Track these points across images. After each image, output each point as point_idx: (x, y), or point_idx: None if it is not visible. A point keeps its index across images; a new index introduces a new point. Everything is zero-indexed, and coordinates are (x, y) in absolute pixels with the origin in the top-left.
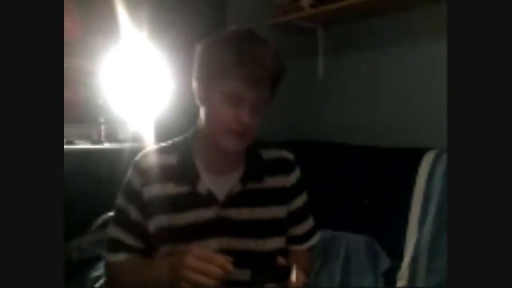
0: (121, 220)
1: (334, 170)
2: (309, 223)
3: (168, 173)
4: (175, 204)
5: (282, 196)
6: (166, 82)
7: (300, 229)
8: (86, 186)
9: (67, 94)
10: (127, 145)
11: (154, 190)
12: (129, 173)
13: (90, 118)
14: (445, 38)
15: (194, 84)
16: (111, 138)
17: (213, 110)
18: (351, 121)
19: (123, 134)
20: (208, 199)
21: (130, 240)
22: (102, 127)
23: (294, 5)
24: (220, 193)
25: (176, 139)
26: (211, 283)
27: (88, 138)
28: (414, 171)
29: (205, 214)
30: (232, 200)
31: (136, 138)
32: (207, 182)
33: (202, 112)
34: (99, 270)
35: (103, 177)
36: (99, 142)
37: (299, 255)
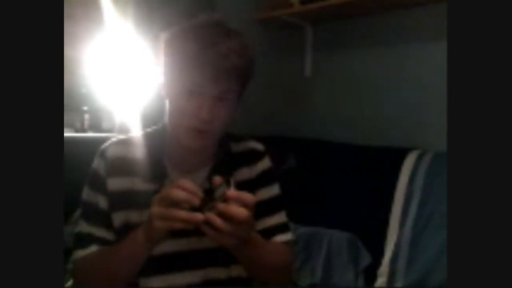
0: (90, 212)
1: (318, 166)
2: (275, 219)
3: (135, 167)
4: (140, 201)
5: (248, 188)
6: (152, 71)
7: (264, 223)
8: (68, 175)
9: None
10: (112, 135)
11: (119, 182)
12: (95, 162)
13: (74, 106)
14: (434, 39)
15: (159, 76)
16: (95, 127)
17: (174, 104)
18: (337, 119)
19: (108, 124)
20: None
21: (101, 232)
22: (86, 116)
23: (284, 0)
24: None
25: (147, 130)
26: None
27: (72, 127)
28: (397, 170)
29: None
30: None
31: (121, 128)
32: (175, 180)
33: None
34: None
35: (86, 167)
36: (83, 130)
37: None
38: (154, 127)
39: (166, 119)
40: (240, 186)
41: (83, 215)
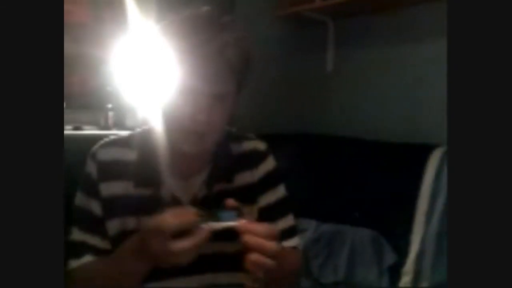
0: (83, 219)
1: (341, 163)
2: (282, 223)
3: (127, 171)
4: (136, 207)
5: (250, 193)
6: (175, 70)
7: None
8: None
9: (75, 80)
10: None
11: (112, 187)
12: (86, 166)
13: (98, 104)
14: None
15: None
16: (119, 124)
17: (167, 105)
18: (359, 115)
19: (131, 121)
20: (172, 204)
21: (95, 240)
22: (110, 114)
23: None
24: (185, 197)
25: (140, 130)
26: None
27: (96, 124)
28: (422, 167)
29: None
30: (197, 205)
31: (144, 125)
32: (171, 186)
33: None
34: None
35: None
36: (107, 128)
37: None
38: (146, 126)
39: (158, 119)
40: (243, 190)
41: (75, 222)
